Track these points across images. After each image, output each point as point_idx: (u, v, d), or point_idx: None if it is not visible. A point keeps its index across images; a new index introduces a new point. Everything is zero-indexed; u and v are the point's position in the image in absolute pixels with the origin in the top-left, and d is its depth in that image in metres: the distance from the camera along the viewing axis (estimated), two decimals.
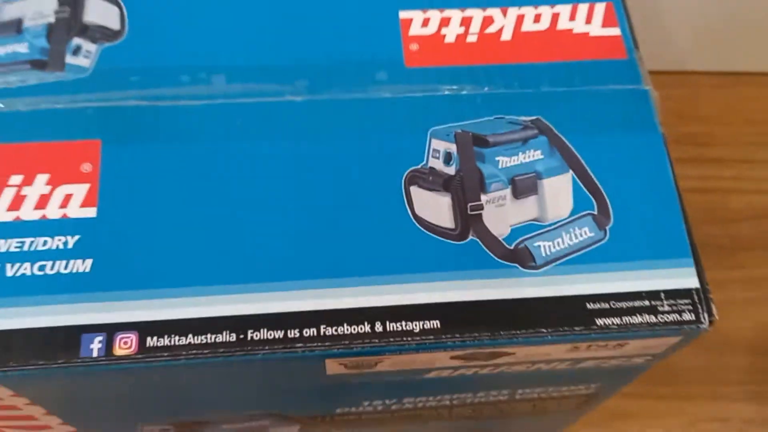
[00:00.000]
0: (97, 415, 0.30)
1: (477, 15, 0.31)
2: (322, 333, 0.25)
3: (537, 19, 0.31)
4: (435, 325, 0.25)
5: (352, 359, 0.26)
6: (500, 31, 0.31)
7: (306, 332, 0.25)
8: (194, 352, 0.24)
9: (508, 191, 0.28)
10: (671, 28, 0.56)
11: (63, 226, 0.26)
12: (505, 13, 0.31)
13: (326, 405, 0.32)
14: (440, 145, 0.28)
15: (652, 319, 0.26)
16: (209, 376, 0.27)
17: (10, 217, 0.26)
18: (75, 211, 0.26)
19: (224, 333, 0.25)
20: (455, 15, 0.31)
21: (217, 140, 0.28)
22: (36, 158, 0.27)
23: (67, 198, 0.26)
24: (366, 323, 0.25)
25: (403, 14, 0.31)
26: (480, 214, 0.27)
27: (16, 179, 0.27)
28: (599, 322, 0.26)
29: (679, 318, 0.26)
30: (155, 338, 0.25)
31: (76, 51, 0.29)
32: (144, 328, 0.25)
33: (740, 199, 0.55)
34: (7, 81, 0.28)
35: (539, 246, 0.27)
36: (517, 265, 0.26)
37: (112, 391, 0.27)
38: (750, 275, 0.52)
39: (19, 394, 0.26)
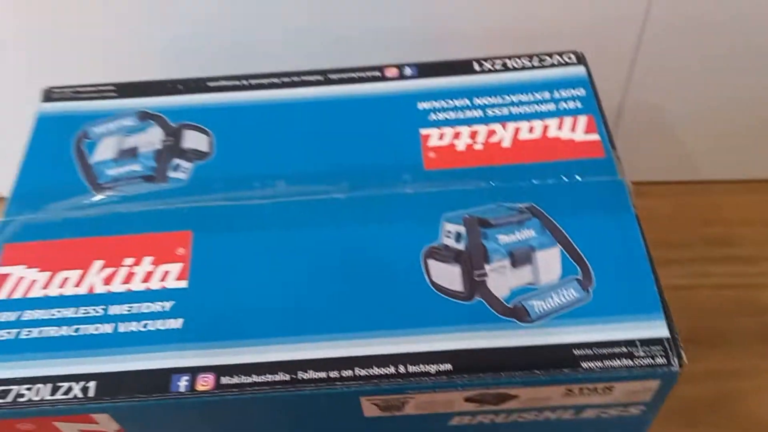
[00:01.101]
0: None
1: (482, 129, 0.39)
2: (356, 374, 0.31)
3: (531, 129, 0.39)
4: (448, 368, 0.31)
5: (382, 397, 0.32)
6: (501, 140, 0.38)
7: (344, 373, 0.31)
8: (257, 388, 0.31)
9: (507, 262, 0.34)
10: (686, 141, 0.62)
11: (162, 294, 0.34)
12: (505, 127, 0.39)
13: None
14: (452, 228, 0.35)
15: (630, 362, 0.31)
16: (268, 414, 0.33)
17: (123, 288, 0.34)
18: (171, 283, 0.34)
19: (280, 374, 0.32)
20: (464, 130, 0.39)
21: (280, 229, 0.36)
22: (144, 245, 0.35)
23: (166, 274, 0.35)
24: (391, 366, 0.32)
25: (423, 131, 0.39)
26: (484, 281, 0.34)
27: (128, 261, 0.35)
28: (584, 365, 0.31)
29: (652, 362, 0.31)
30: (228, 378, 0.32)
31: (176, 168, 0.38)
32: (220, 370, 0.32)
33: None
34: (126, 191, 0.38)
35: (533, 304, 0.33)
36: (515, 319, 0.32)
37: (196, 429, 0.34)
38: None
39: (123, 428, 0.33)
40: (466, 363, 0.31)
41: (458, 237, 0.35)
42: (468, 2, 0.48)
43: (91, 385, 0.32)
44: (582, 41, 0.44)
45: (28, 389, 0.32)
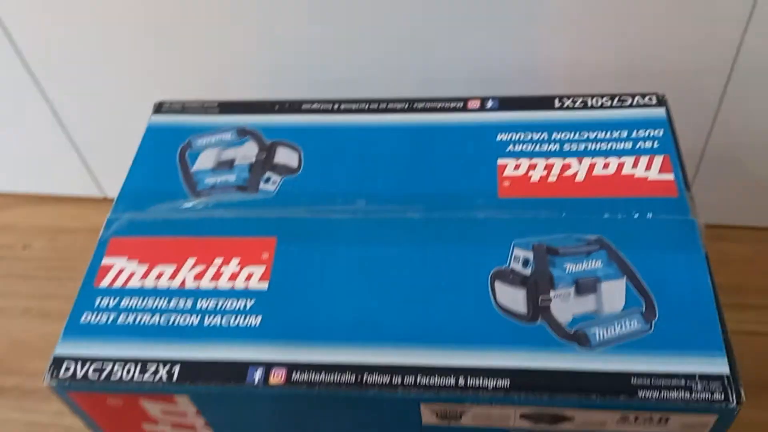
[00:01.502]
0: None
1: (558, 162, 0.40)
2: (418, 382, 0.33)
3: (606, 166, 0.40)
4: (506, 384, 0.33)
5: (441, 406, 0.34)
6: (575, 174, 0.40)
7: (406, 380, 0.33)
8: (325, 386, 0.33)
9: (572, 289, 0.35)
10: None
11: (245, 293, 0.37)
12: (580, 162, 0.40)
13: None
14: (521, 253, 0.37)
15: (687, 395, 0.32)
16: (333, 412, 0.35)
17: (211, 285, 0.37)
18: (254, 284, 0.37)
19: (347, 374, 0.34)
20: (540, 162, 0.40)
21: (357, 243, 0.38)
22: (233, 247, 0.39)
23: (250, 275, 0.38)
24: (452, 377, 0.33)
25: (501, 161, 0.41)
26: (548, 305, 0.35)
27: (218, 260, 0.38)
28: (641, 393, 0.32)
29: (710, 397, 0.31)
30: (298, 373, 0.34)
31: (267, 180, 0.42)
32: (291, 366, 0.34)
33: None
34: (220, 198, 0.41)
35: (595, 332, 0.34)
36: (575, 344, 0.33)
37: (264, 420, 0.36)
38: None
39: (201, 412, 0.36)
40: (524, 381, 0.33)
41: (526, 262, 0.36)
42: (554, 43, 0.50)
43: (176, 369, 0.35)
44: (667, 84, 0.45)
45: (121, 368, 0.35)
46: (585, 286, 0.35)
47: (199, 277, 0.38)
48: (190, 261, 0.38)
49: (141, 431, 0.39)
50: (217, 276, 0.38)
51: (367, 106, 0.45)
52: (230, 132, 0.44)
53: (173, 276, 0.38)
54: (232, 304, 0.37)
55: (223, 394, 0.34)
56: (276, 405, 0.35)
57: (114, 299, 0.37)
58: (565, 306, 0.35)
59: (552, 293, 0.35)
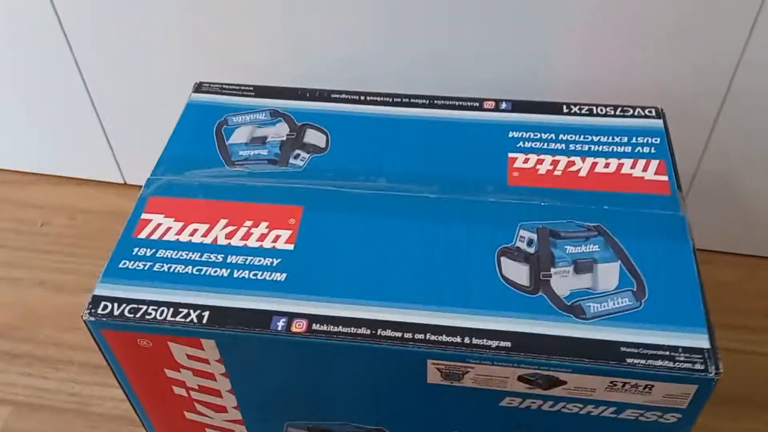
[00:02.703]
0: (263, 399, 0.42)
1: (563, 160, 0.44)
2: (427, 338, 0.36)
3: (607, 165, 0.44)
4: (507, 345, 0.36)
5: (446, 363, 0.37)
6: (578, 170, 0.44)
7: (416, 336, 0.37)
8: (341, 337, 0.37)
9: (571, 268, 0.39)
10: (759, 216, 0.65)
11: (272, 252, 0.40)
12: (584, 160, 0.44)
13: (424, 429, 0.42)
14: (526, 234, 0.40)
15: (671, 364, 0.35)
16: (348, 365, 0.38)
17: (241, 243, 0.41)
18: (281, 245, 0.41)
19: (362, 328, 0.37)
20: (547, 158, 0.44)
21: (376, 215, 0.42)
22: (262, 212, 0.42)
23: (277, 237, 0.41)
24: (458, 336, 0.36)
25: (511, 155, 0.45)
26: (549, 280, 0.38)
27: (248, 222, 0.42)
28: (629, 360, 0.35)
29: (691, 367, 0.35)
30: (318, 325, 0.37)
31: (296, 157, 0.45)
32: (312, 318, 0.37)
33: None
34: (252, 168, 0.45)
35: (590, 305, 0.37)
36: (571, 315, 0.37)
37: (281, 370, 0.39)
38: None
39: (222, 359, 0.39)
40: (524, 343, 0.36)
41: (530, 242, 0.40)
42: (564, 62, 0.55)
43: (206, 314, 0.38)
44: (666, 108, 0.49)
45: (154, 309, 0.38)
46: (583, 266, 0.39)
47: (230, 236, 0.41)
48: (222, 222, 0.42)
49: (162, 377, 0.41)
50: (246, 236, 0.41)
51: (391, 99, 0.49)
52: (264, 113, 0.48)
53: (206, 234, 0.41)
54: (259, 260, 0.40)
55: (248, 339, 0.37)
56: (295, 353, 0.38)
57: (151, 249, 0.41)
58: (564, 282, 0.38)
59: (552, 270, 0.39)
